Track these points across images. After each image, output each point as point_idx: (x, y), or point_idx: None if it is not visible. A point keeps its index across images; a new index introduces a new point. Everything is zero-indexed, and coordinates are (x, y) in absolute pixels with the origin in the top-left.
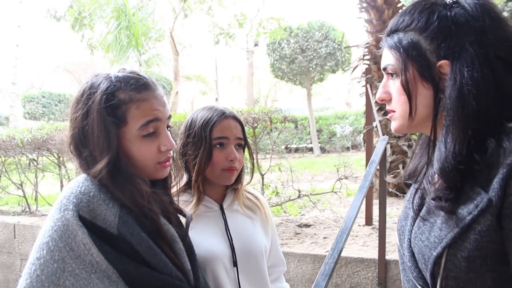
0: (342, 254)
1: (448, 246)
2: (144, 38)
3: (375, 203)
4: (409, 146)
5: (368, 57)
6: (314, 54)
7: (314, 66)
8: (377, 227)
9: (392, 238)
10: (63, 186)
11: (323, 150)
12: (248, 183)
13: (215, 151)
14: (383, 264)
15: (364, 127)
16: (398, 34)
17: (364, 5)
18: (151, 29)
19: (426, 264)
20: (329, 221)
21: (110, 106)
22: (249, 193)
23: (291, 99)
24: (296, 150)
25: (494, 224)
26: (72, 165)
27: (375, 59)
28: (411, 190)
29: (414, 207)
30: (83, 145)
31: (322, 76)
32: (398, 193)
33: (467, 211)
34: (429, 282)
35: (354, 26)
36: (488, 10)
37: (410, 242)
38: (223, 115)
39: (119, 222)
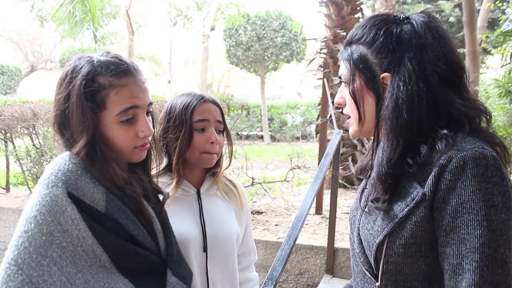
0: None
1: (388, 234)
2: (100, 13)
3: (325, 194)
4: (359, 140)
5: (325, 51)
6: (270, 43)
7: (269, 55)
8: (327, 216)
9: (340, 227)
10: (9, 163)
11: (273, 138)
12: (227, 168)
13: (196, 134)
14: (331, 251)
15: (317, 119)
16: (351, 46)
17: (325, 0)
18: (106, 4)
19: (370, 250)
20: (280, 209)
21: (90, 92)
22: (227, 179)
23: (244, 86)
24: (247, 137)
25: (427, 215)
26: (20, 142)
27: (332, 53)
28: (363, 183)
29: (361, 204)
30: (65, 126)
31: (276, 65)
32: (347, 184)
33: (405, 203)
34: (373, 266)
35: (311, 18)
36: (432, 28)
37: (359, 230)
38: (203, 99)
39: (106, 200)
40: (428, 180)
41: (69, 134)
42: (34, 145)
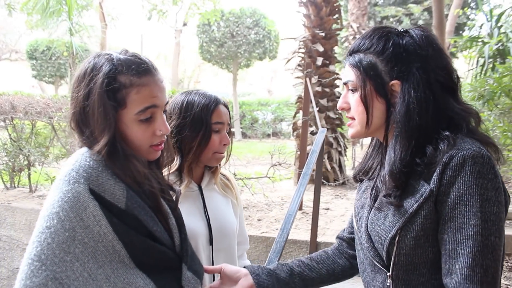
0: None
1: (400, 229)
2: (76, 6)
3: (306, 190)
4: (335, 139)
5: (303, 50)
6: (244, 40)
7: (242, 52)
8: (307, 212)
9: (320, 222)
10: None
11: (244, 135)
12: (224, 164)
13: (213, 135)
14: (314, 245)
15: (293, 116)
16: (359, 54)
17: (304, 0)
18: None
19: (382, 244)
20: (261, 205)
21: (111, 90)
22: (221, 174)
23: (216, 82)
24: None
25: (433, 209)
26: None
27: (310, 53)
28: (365, 184)
29: (371, 200)
30: (85, 124)
31: (249, 62)
32: (324, 181)
33: (414, 200)
34: (384, 258)
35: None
36: (431, 41)
37: (367, 227)
38: (219, 102)
39: (127, 197)
40: (434, 177)
41: (89, 132)
42: (11, 138)
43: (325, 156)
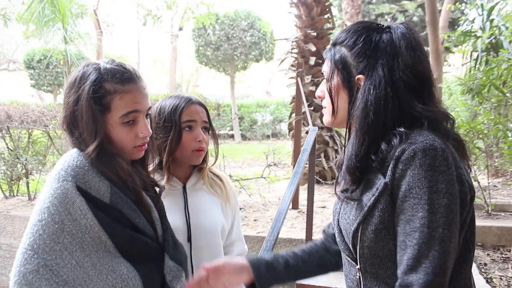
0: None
1: (361, 222)
2: (70, 14)
3: (301, 189)
4: (331, 137)
5: (296, 50)
6: (239, 43)
7: (238, 54)
8: (303, 210)
9: (316, 220)
10: None
11: (244, 137)
12: (213, 164)
13: (184, 133)
14: None
15: (289, 116)
16: (335, 47)
17: (295, 1)
18: (74, 4)
19: (348, 237)
20: (258, 205)
21: (97, 96)
22: (214, 174)
23: (214, 86)
24: (218, 136)
25: (390, 202)
26: None
27: (303, 53)
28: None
29: (339, 195)
30: (74, 126)
31: (245, 64)
32: (320, 180)
33: (371, 193)
34: (352, 251)
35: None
36: (407, 38)
37: (338, 221)
38: (190, 101)
39: (111, 193)
40: (388, 171)
41: (78, 134)
42: (8, 147)
43: (322, 155)
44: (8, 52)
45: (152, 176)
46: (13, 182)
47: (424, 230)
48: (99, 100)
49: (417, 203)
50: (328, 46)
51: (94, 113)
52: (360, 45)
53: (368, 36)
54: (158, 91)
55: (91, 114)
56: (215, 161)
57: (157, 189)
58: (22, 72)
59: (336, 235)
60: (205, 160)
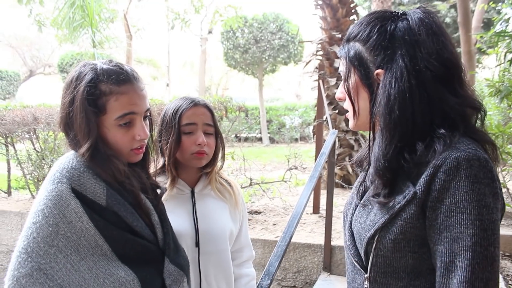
0: (291, 240)
1: (379, 229)
2: (98, 18)
3: (323, 193)
4: (356, 140)
5: (321, 53)
6: (268, 45)
7: (267, 57)
8: (324, 215)
9: (337, 225)
10: (10, 167)
11: (272, 140)
12: (220, 169)
13: (184, 136)
14: (328, 249)
15: (314, 120)
16: (349, 44)
17: (320, 2)
18: (103, 8)
19: (361, 243)
20: (278, 209)
21: (92, 97)
22: (223, 179)
23: (243, 89)
24: (246, 139)
25: (417, 213)
26: (21, 146)
27: (328, 55)
28: (359, 178)
29: (358, 196)
30: (70, 127)
31: (274, 67)
32: (344, 184)
33: (397, 201)
34: (363, 258)
35: (308, 21)
36: (427, 24)
37: (351, 223)
38: (193, 103)
39: (107, 195)
40: (421, 179)
41: (73, 135)
42: (35, 149)
43: (346, 159)
44: (44, 57)
45: (154, 178)
46: (40, 183)
47: (477, 249)
48: (94, 102)
49: (466, 218)
50: (337, 48)
51: (87, 114)
52: (375, 37)
53: (382, 27)
54: (187, 93)
55: (85, 116)
56: (222, 166)
57: (158, 191)
58: (57, 76)
59: (346, 238)
60: (211, 164)
